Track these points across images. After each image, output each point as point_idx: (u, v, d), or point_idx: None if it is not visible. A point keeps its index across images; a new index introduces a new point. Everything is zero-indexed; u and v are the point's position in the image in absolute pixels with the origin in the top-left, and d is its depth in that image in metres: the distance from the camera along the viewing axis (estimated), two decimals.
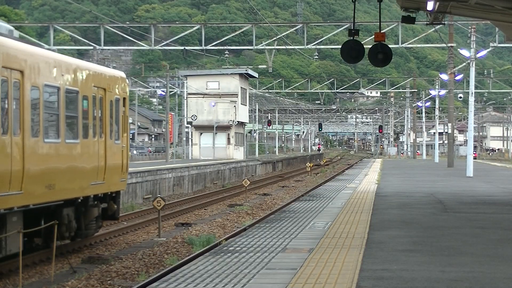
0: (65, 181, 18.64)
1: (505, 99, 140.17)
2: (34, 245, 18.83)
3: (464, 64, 60.43)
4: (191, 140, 75.37)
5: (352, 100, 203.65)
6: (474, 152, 77.45)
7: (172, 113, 74.28)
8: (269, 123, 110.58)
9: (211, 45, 49.60)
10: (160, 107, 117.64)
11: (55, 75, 18.07)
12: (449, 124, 65.18)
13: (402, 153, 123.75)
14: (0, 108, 15.54)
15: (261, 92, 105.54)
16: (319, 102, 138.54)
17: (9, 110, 15.88)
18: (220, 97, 73.60)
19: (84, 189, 19.91)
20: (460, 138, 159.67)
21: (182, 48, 54.60)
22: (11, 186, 15.83)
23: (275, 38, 55.36)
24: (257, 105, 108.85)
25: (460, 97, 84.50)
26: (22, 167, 16.29)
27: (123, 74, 23.35)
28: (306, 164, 69.57)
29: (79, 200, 19.81)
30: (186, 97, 75.40)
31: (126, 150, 23.22)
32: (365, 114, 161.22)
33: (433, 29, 43.59)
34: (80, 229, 20.44)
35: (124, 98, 22.86)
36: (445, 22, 36.20)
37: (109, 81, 21.72)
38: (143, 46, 54.57)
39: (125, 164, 22.94)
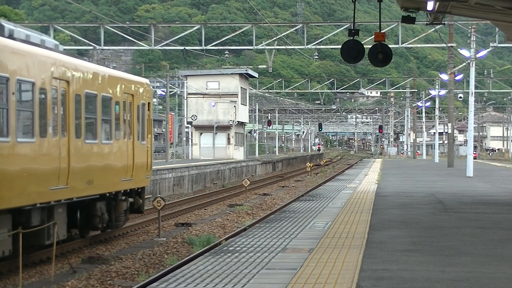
0: (101, 178, 20.99)
1: (505, 99, 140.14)
2: (73, 234, 21.07)
3: (464, 64, 60.43)
4: (191, 140, 75.38)
5: (352, 100, 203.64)
6: (474, 152, 77.46)
7: (172, 113, 74.32)
8: (269, 123, 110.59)
9: (211, 45, 49.61)
10: (160, 107, 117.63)
11: (93, 83, 20.57)
12: (449, 124, 65.18)
13: (402, 153, 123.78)
14: (52, 113, 17.96)
15: (261, 92, 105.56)
16: (319, 102, 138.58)
17: (58, 115, 18.36)
18: (220, 97, 73.61)
19: (116, 185, 22.29)
20: (460, 138, 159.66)
21: (182, 48, 54.63)
22: (59, 181, 18.13)
23: (275, 38, 55.37)
24: (257, 105, 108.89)
25: (460, 97, 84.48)
26: (68, 165, 18.60)
27: (147, 81, 25.90)
28: (306, 164, 69.57)
29: (112, 195, 22.21)
30: (186, 97, 75.40)
31: (150, 150, 25.64)
32: (365, 114, 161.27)
33: (433, 29, 43.60)
34: (111, 221, 22.49)
35: (148, 103, 25.39)
36: (445, 22, 36.22)
37: (136, 87, 24.20)
38: (143, 46, 54.59)
39: (150, 163, 25.45)
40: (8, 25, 17.15)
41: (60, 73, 18.44)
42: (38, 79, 17.30)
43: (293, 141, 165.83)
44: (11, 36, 16.87)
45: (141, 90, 24.66)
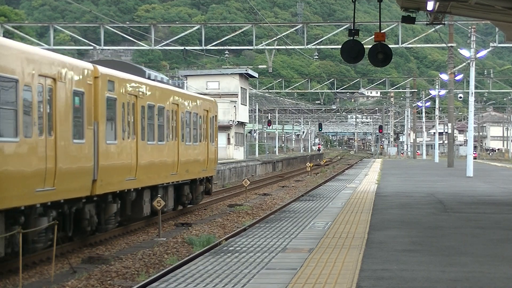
0: (193, 168, 30.29)
1: (505, 99, 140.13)
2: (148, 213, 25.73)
3: (464, 64, 60.44)
4: None
5: (352, 100, 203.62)
6: (474, 152, 77.47)
7: None
8: (269, 123, 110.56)
9: (211, 45, 49.59)
10: None
11: (192, 107, 30.50)
12: (449, 124, 65.18)
13: (402, 153, 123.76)
14: (186, 127, 29.25)
15: (261, 92, 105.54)
16: (319, 102, 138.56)
17: (190, 130, 29.79)
18: (220, 97, 73.56)
19: (199, 173, 31.52)
20: (460, 138, 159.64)
21: (182, 48, 54.55)
22: (173, 169, 27.33)
23: (275, 38, 55.35)
24: (257, 105, 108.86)
25: (460, 97, 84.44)
26: (177, 159, 27.92)
27: (214, 100, 35.33)
28: (306, 164, 69.55)
29: (198, 180, 31.66)
30: None
31: (216, 149, 34.63)
32: (365, 114, 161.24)
33: (433, 29, 43.61)
34: (193, 198, 31.22)
35: (215, 115, 34.39)
36: (445, 22, 36.23)
37: (209, 105, 33.43)
38: (143, 46, 54.57)
39: (216, 158, 34.66)
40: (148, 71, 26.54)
41: (181, 104, 28.77)
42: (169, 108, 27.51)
43: (293, 141, 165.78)
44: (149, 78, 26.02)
45: (211, 106, 33.79)
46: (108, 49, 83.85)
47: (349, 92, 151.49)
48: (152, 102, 25.11)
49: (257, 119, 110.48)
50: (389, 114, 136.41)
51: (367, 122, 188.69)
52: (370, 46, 23.80)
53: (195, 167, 30.57)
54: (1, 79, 15.58)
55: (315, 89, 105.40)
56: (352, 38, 23.48)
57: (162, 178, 26.13)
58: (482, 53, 50.45)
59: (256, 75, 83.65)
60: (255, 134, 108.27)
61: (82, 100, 19.64)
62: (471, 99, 47.50)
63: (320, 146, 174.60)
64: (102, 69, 21.07)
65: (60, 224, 18.60)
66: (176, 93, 28.38)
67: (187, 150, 29.22)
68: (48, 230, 17.69)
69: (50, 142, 17.68)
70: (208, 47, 49.35)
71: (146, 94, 24.51)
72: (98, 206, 21.28)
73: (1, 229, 15.92)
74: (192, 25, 61.35)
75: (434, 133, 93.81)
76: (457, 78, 69.14)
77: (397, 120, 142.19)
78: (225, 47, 55.55)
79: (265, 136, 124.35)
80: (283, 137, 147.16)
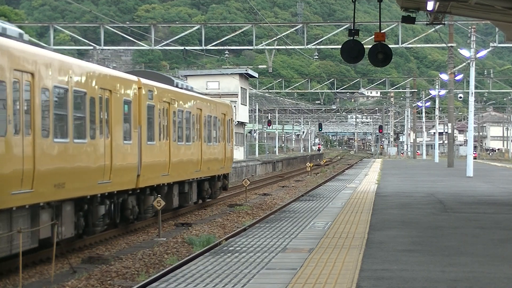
0: (213, 166, 33.95)
1: (505, 99, 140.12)
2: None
3: (464, 64, 60.43)
4: None
5: (352, 100, 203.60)
6: (474, 152, 77.45)
7: None
8: (269, 123, 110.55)
9: (211, 45, 49.58)
10: None
11: (212, 109, 34.21)
12: (449, 124, 65.17)
13: (402, 153, 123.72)
14: (202, 128, 32.34)
15: (261, 92, 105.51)
16: (319, 102, 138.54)
17: (205, 130, 32.83)
18: (220, 97, 73.49)
19: (218, 170, 35.20)
20: (460, 138, 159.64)
21: (182, 48, 54.52)
22: (197, 167, 31.15)
23: (275, 38, 55.34)
24: (257, 105, 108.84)
25: (460, 97, 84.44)
26: (201, 157, 31.71)
27: (230, 104, 39.92)
28: (306, 164, 69.53)
29: (216, 176, 35.24)
30: None
31: (232, 149, 38.76)
32: (365, 114, 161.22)
33: (433, 29, 43.60)
34: (212, 193, 34.71)
35: (231, 118, 38.33)
36: (445, 22, 36.22)
37: (226, 108, 37.44)
38: (143, 46, 54.55)
39: (232, 157, 39.00)
40: None
41: (203, 109, 32.46)
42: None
43: (293, 141, 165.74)
44: None
45: (228, 110, 37.75)
46: (108, 49, 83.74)
47: (349, 92, 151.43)
48: (181, 107, 29.13)
49: (257, 119, 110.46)
50: (389, 114, 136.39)
51: (367, 122, 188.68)
52: (370, 46, 23.80)
53: (215, 165, 34.48)
54: (76, 93, 19.17)
55: (315, 89, 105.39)
56: (352, 38, 23.48)
57: (189, 174, 30.04)
58: (482, 53, 50.44)
59: (256, 75, 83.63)
60: (255, 134, 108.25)
61: (130, 108, 23.29)
62: (471, 99, 47.50)
63: (320, 146, 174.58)
64: (144, 81, 24.61)
65: (109, 213, 22.10)
66: (199, 98, 32.36)
67: (208, 149, 33.21)
68: (105, 216, 21.44)
69: (108, 143, 21.26)
70: (208, 47, 49.34)
71: (176, 101, 28.48)
72: (139, 198, 24.91)
73: (71, 214, 19.20)
74: (192, 25, 61.34)
75: (434, 133, 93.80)
76: (457, 78, 69.13)
77: (397, 120, 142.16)
78: (225, 47, 55.54)
79: (265, 136, 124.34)
80: (283, 137, 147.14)
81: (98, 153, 20.50)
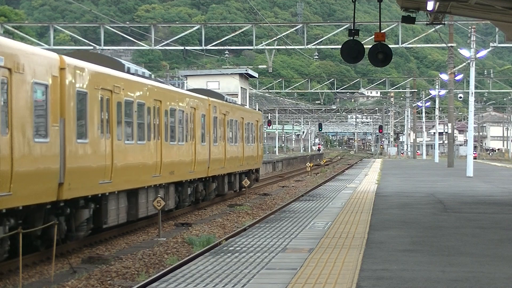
0: (249, 162, 41.77)
1: (505, 99, 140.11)
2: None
3: (464, 64, 60.41)
4: None
5: (352, 100, 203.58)
6: (474, 152, 77.45)
7: None
8: (269, 123, 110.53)
9: (211, 45, 49.56)
10: None
11: (248, 117, 42.05)
12: (449, 124, 65.17)
13: (402, 153, 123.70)
14: (256, 134, 44.52)
15: (261, 92, 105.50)
16: (319, 102, 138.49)
17: (248, 134, 42.33)
18: None
19: (253, 165, 43.18)
20: (460, 138, 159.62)
21: (182, 48, 54.49)
22: (240, 162, 39.41)
23: (275, 38, 55.31)
24: (257, 105, 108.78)
25: (460, 97, 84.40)
26: (243, 155, 39.87)
27: (261, 112, 50.13)
28: (306, 164, 69.51)
29: (251, 171, 43.38)
30: None
31: (262, 148, 47.38)
32: (365, 114, 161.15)
33: (433, 29, 43.57)
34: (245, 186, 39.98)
35: (261, 124, 46.54)
36: (445, 22, 36.18)
37: (258, 116, 46.30)
38: (143, 46, 54.55)
39: (262, 155, 47.72)
40: None
41: (244, 117, 41.19)
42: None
43: (293, 141, 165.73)
44: None
45: (259, 117, 46.66)
46: (108, 49, 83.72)
47: (349, 92, 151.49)
48: (233, 118, 38.07)
49: None
50: (389, 114, 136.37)
51: (367, 122, 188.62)
52: (370, 46, 23.79)
53: (250, 160, 42.22)
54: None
55: (315, 89, 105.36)
56: (352, 38, 23.47)
57: (234, 168, 38.28)
58: (482, 53, 50.42)
59: (256, 75, 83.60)
60: None
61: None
62: (471, 99, 47.50)
63: (320, 146, 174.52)
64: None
65: (192, 193, 30.56)
66: (242, 109, 41.99)
67: (247, 148, 41.41)
68: (190, 195, 30.44)
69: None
70: (208, 47, 49.31)
71: (229, 112, 37.22)
72: (205, 184, 33.10)
73: (174, 192, 27.83)
74: (192, 25, 61.31)
75: (434, 133, 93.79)
76: (457, 78, 69.11)
77: (397, 120, 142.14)
78: (225, 47, 55.56)
79: (265, 136, 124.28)
80: (283, 137, 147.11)
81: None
